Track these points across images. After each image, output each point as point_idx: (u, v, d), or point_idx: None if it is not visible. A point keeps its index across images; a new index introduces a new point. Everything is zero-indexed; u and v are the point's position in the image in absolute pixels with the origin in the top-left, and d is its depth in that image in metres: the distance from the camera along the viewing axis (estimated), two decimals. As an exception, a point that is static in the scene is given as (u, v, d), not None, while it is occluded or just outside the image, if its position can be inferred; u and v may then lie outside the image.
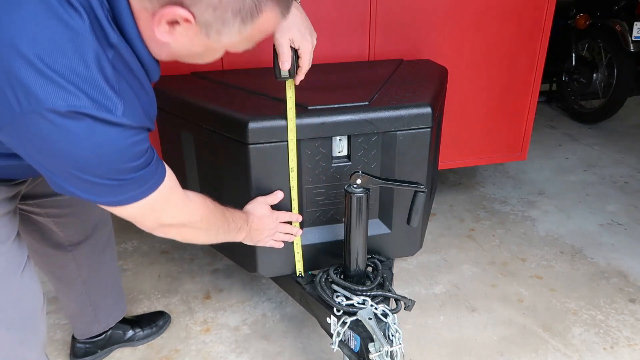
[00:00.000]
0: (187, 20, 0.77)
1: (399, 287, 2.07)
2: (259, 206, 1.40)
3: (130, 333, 1.77)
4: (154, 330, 1.82)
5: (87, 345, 1.70)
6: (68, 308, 1.64)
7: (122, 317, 1.75)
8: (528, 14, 2.29)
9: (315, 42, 1.21)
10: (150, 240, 2.43)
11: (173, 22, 0.78)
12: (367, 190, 1.33)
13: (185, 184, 1.75)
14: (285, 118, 1.35)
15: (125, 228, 2.52)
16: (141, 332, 1.79)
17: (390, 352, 1.25)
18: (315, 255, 1.59)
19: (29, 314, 1.13)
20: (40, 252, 1.46)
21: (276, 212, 1.43)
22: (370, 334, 1.30)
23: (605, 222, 2.60)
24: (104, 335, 1.71)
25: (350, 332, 1.36)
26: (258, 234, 1.39)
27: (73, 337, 1.71)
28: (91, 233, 1.50)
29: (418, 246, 1.71)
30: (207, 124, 1.52)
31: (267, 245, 1.46)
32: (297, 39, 1.17)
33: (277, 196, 1.43)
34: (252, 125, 1.36)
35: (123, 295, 1.74)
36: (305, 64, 1.22)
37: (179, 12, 0.76)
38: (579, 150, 3.52)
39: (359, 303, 1.39)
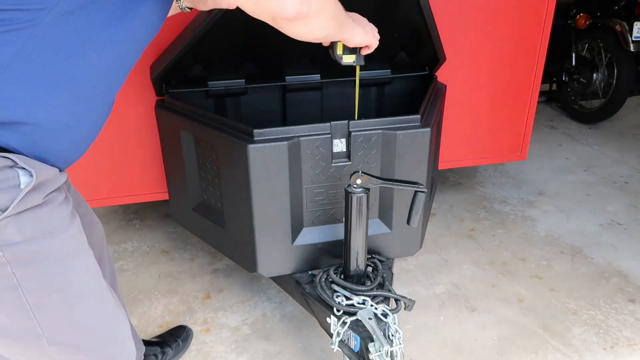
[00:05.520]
0: None
1: (399, 287, 2.07)
2: None
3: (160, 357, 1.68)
4: (181, 346, 1.75)
5: None
6: None
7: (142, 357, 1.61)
8: (528, 14, 2.29)
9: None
10: (150, 240, 2.43)
11: None
12: (367, 190, 1.33)
13: (185, 183, 1.76)
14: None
15: (125, 228, 2.53)
16: (171, 351, 1.71)
17: (390, 352, 1.25)
18: (315, 255, 1.60)
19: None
20: None
21: None
22: (370, 334, 1.30)
23: (605, 222, 2.60)
24: None
25: (350, 332, 1.36)
26: (356, 16, 1.22)
27: None
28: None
29: (418, 246, 1.71)
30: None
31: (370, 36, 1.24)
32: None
33: None
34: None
35: (136, 334, 1.58)
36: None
37: None
38: (579, 150, 3.52)
39: (359, 303, 1.39)
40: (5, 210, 0.78)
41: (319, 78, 2.02)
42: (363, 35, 1.20)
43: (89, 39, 0.81)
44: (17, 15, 0.74)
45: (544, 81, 3.75)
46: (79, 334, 0.96)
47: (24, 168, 0.80)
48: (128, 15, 0.84)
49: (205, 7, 1.20)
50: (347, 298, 1.41)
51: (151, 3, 0.86)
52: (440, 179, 2.99)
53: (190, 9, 1.25)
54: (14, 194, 0.79)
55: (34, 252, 0.84)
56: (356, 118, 1.50)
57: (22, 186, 0.80)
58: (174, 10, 1.27)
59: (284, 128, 1.44)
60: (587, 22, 3.77)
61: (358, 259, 1.42)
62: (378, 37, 1.26)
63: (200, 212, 1.76)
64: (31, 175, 0.80)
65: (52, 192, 0.88)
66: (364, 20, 1.24)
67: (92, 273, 0.98)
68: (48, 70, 0.79)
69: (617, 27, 3.56)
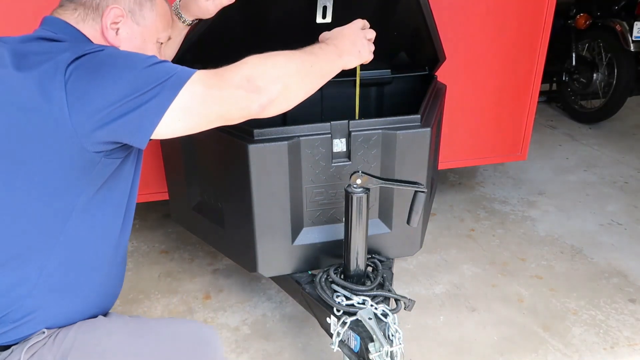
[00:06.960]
0: (121, 16, 0.97)
1: (399, 287, 2.07)
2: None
3: None
4: None
5: None
6: None
7: None
8: (528, 14, 2.29)
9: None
10: (150, 241, 2.43)
11: (115, 26, 0.97)
12: (367, 190, 1.33)
13: (185, 183, 1.75)
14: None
15: (125, 228, 2.53)
16: None
17: (390, 352, 1.25)
18: (315, 255, 1.59)
19: None
20: None
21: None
22: (370, 334, 1.30)
23: (605, 222, 2.60)
24: None
25: (350, 332, 1.36)
26: (346, 39, 1.13)
27: None
28: None
29: (418, 246, 1.71)
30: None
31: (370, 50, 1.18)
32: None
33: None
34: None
35: None
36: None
37: (113, 11, 0.96)
38: (579, 150, 3.52)
39: (359, 303, 1.39)
40: None
41: (319, 78, 2.01)
42: (356, 59, 1.15)
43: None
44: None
45: (544, 81, 3.73)
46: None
47: None
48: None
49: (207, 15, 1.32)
50: (347, 298, 1.41)
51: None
52: (440, 179, 2.99)
53: (193, 20, 1.29)
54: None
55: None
56: (357, 117, 1.49)
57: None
58: (180, 30, 1.31)
59: (284, 128, 1.44)
60: (587, 22, 3.77)
61: (358, 259, 1.42)
62: (372, 48, 1.18)
63: (200, 212, 1.76)
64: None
65: None
66: (358, 35, 1.14)
67: (116, 326, 1.00)
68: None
69: (617, 27, 3.56)
